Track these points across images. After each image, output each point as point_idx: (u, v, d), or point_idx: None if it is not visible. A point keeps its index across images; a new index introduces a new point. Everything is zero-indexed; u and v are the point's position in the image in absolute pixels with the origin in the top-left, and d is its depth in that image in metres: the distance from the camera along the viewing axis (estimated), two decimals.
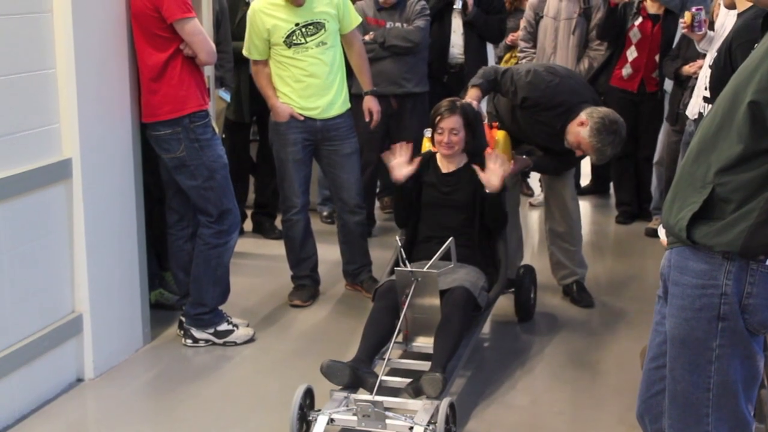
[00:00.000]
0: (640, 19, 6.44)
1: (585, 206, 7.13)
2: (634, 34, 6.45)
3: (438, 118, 4.35)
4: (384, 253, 5.19)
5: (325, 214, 6.80)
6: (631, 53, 6.49)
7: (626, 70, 6.53)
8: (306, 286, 5.19)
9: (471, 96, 4.63)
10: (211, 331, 4.54)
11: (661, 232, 2.65)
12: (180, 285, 4.73)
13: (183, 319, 4.58)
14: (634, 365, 4.04)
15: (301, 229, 5.12)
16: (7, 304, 3.66)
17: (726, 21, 4.67)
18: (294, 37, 4.79)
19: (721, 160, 2.28)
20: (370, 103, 5.27)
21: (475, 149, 4.44)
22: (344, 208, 5.19)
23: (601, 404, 3.98)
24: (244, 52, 5.01)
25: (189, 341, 4.55)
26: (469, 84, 4.79)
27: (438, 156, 4.47)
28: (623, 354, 4.46)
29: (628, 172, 6.85)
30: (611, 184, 7.49)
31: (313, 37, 4.82)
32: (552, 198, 5.13)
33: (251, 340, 4.61)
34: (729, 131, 2.27)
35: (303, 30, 4.80)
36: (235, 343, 4.55)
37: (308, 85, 4.86)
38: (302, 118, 4.89)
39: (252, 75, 5.14)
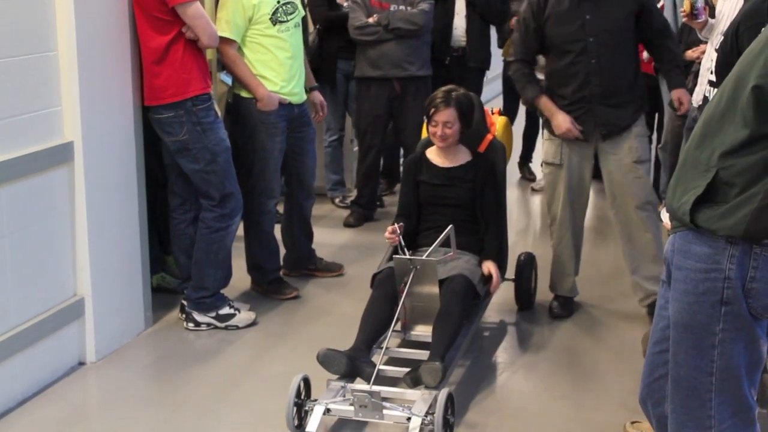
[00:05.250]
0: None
1: None
2: None
3: (432, 110, 4.21)
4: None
5: (338, 200, 6.80)
6: None
7: (646, 54, 6.47)
8: (281, 278, 5.08)
9: (544, 106, 4.57)
10: (213, 314, 4.54)
11: (665, 216, 2.64)
12: (182, 269, 4.73)
13: (185, 302, 4.58)
14: (637, 350, 4.03)
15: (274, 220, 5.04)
16: (9, 287, 3.66)
17: (724, 7, 4.64)
18: (279, 14, 4.66)
19: (725, 144, 2.27)
20: (321, 97, 5.30)
21: (473, 137, 4.39)
22: (303, 194, 5.12)
23: (603, 389, 3.97)
24: (223, 34, 4.49)
25: (191, 325, 4.54)
26: (527, 100, 4.73)
27: (433, 151, 4.37)
28: (626, 339, 4.45)
29: None
30: None
31: (291, 16, 4.72)
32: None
33: (253, 323, 4.60)
34: (734, 115, 2.26)
35: (284, 8, 4.69)
36: (237, 327, 4.55)
37: (290, 67, 4.75)
38: (288, 101, 4.78)
39: (228, 63, 4.70)
